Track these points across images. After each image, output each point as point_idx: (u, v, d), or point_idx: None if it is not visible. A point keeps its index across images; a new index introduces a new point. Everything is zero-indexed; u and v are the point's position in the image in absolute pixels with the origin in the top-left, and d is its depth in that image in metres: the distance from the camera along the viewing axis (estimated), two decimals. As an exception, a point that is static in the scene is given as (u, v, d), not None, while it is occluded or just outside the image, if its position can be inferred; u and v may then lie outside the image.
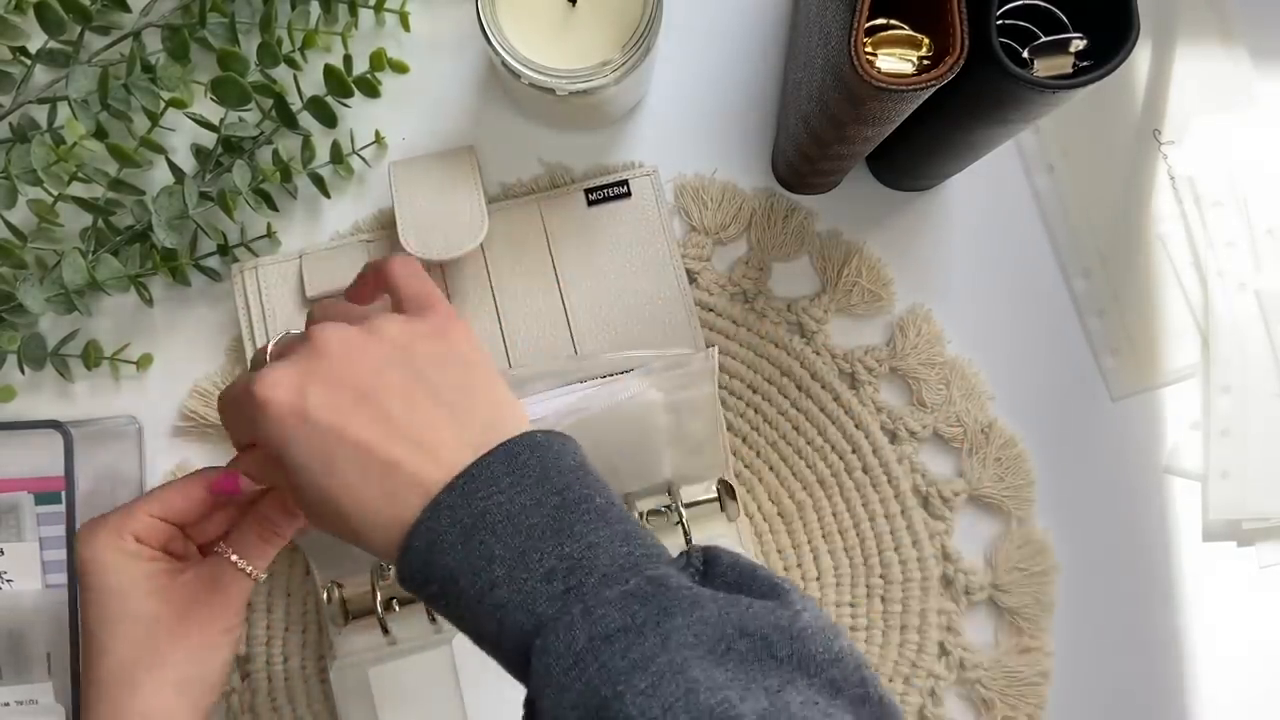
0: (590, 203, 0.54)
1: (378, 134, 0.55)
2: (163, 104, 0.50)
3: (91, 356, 0.52)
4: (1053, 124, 0.56)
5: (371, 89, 0.53)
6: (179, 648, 0.39)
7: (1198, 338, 0.56)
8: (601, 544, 0.32)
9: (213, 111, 0.51)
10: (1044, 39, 0.41)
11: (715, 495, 0.51)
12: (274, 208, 0.53)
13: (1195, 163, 0.57)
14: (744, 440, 0.54)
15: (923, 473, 0.54)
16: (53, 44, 0.51)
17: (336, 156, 0.53)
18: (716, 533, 0.51)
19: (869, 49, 0.39)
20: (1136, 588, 0.54)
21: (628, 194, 0.54)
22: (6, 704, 0.49)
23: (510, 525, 0.32)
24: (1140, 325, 0.56)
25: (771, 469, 0.54)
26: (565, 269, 0.53)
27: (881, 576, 0.53)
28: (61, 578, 0.50)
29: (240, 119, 0.52)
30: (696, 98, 0.56)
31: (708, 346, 0.53)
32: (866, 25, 0.38)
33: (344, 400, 0.34)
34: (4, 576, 0.50)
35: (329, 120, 0.53)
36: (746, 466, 0.54)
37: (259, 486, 0.41)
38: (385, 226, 0.54)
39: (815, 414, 0.54)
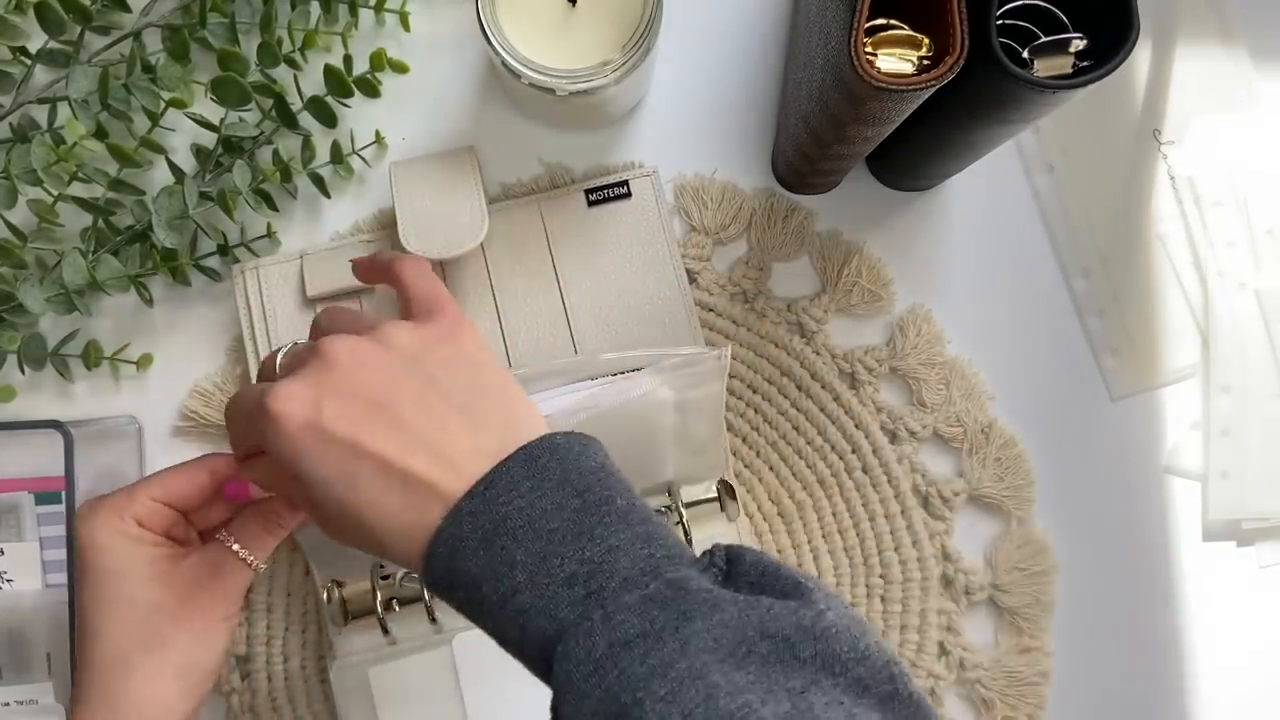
0: (590, 203, 0.54)
1: (378, 134, 0.55)
2: (163, 104, 0.50)
3: (91, 356, 0.52)
4: (1053, 124, 0.56)
5: (371, 89, 0.53)
6: (177, 633, 0.39)
7: (1198, 338, 0.56)
8: (622, 547, 0.31)
9: (213, 111, 0.51)
10: (1044, 39, 0.41)
11: (715, 495, 0.51)
12: (274, 208, 0.53)
13: (1195, 163, 0.57)
14: (744, 440, 0.54)
15: (923, 473, 0.54)
16: (53, 44, 0.51)
17: (336, 156, 0.53)
18: (716, 532, 0.51)
19: (869, 49, 0.39)
20: (1136, 588, 0.54)
21: (628, 194, 0.54)
22: (6, 704, 0.49)
23: (531, 530, 0.31)
24: (1140, 325, 0.56)
25: (771, 469, 0.54)
26: (565, 269, 0.53)
27: (881, 576, 0.53)
28: (61, 578, 0.50)
29: (240, 119, 0.52)
30: (696, 98, 0.56)
31: (708, 346, 0.53)
32: (866, 25, 0.38)
33: (358, 412, 0.33)
34: (4, 576, 0.50)
35: (329, 120, 0.53)
36: (746, 466, 0.54)
37: (269, 494, 0.41)
38: (385, 226, 0.54)
39: (815, 414, 0.54)
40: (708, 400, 0.49)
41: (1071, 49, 0.40)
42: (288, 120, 0.51)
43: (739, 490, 0.53)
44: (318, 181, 0.53)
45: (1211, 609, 0.54)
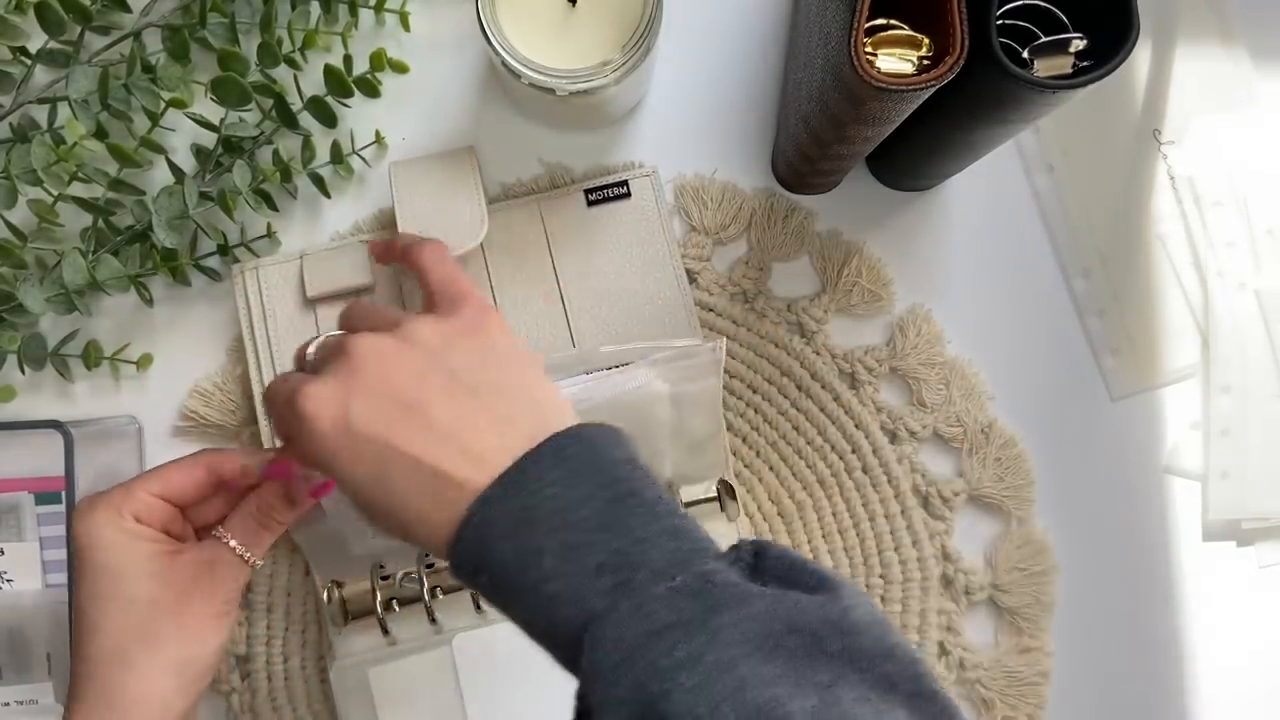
0: (590, 203, 0.54)
1: (378, 134, 0.55)
2: (163, 104, 0.50)
3: (91, 356, 0.52)
4: (1053, 124, 0.56)
5: (371, 89, 0.53)
6: (174, 629, 0.39)
7: (1198, 338, 0.56)
8: (651, 539, 0.31)
9: (213, 111, 0.51)
10: (1044, 39, 0.41)
11: (715, 495, 0.51)
12: (274, 208, 0.53)
13: (1195, 163, 0.57)
14: (744, 440, 0.54)
15: (923, 473, 0.54)
16: (53, 44, 0.51)
17: (336, 156, 0.53)
18: (717, 532, 0.51)
19: (869, 49, 0.39)
20: (1136, 588, 0.54)
21: (627, 194, 0.54)
22: (6, 704, 0.49)
23: (560, 519, 0.32)
24: (1140, 325, 0.56)
25: (771, 469, 0.54)
26: (565, 269, 0.53)
27: (881, 576, 0.53)
28: (61, 578, 0.50)
29: (240, 119, 0.52)
30: (696, 98, 0.56)
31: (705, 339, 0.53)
32: (866, 25, 0.38)
33: (387, 412, 0.34)
34: (4, 576, 0.50)
35: (329, 120, 0.53)
36: (746, 466, 0.54)
37: (311, 472, 0.41)
38: (385, 226, 0.54)
39: (815, 414, 0.54)
40: (704, 395, 0.49)
41: (1071, 49, 0.40)
42: (288, 120, 0.51)
43: (739, 490, 0.53)
44: (318, 181, 0.53)
45: (1211, 609, 0.54)
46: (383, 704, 0.48)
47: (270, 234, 0.53)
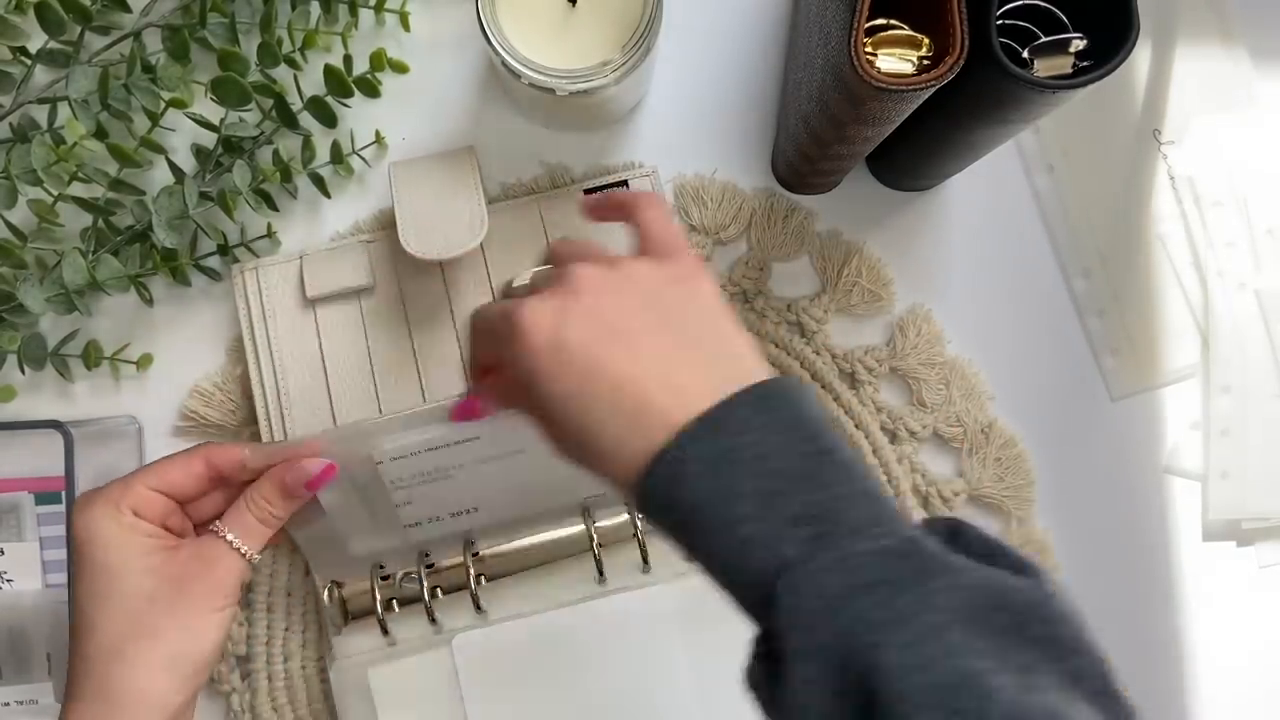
0: (590, 203, 0.54)
1: (378, 134, 0.55)
2: (163, 104, 0.50)
3: (91, 356, 0.52)
4: (1053, 124, 0.56)
5: (371, 89, 0.53)
6: (172, 624, 0.40)
7: (1198, 338, 0.56)
8: (849, 497, 0.32)
9: (213, 111, 0.51)
10: (1044, 39, 0.41)
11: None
12: (274, 208, 0.53)
13: (1195, 163, 0.57)
14: (744, 440, 0.54)
15: (923, 473, 0.54)
16: (53, 44, 0.51)
17: (336, 156, 0.53)
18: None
19: (869, 49, 0.39)
20: (1136, 588, 0.54)
21: (628, 194, 0.54)
22: (6, 704, 0.49)
23: (759, 465, 0.32)
24: (1140, 325, 0.56)
25: (771, 469, 0.54)
26: (565, 269, 0.53)
27: (881, 576, 0.53)
28: (61, 578, 0.50)
29: (240, 119, 0.52)
30: (696, 98, 0.56)
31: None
32: (866, 25, 0.38)
33: (600, 334, 0.35)
34: (4, 576, 0.50)
35: (329, 120, 0.53)
36: (746, 466, 0.54)
37: (498, 411, 0.42)
38: (386, 226, 0.54)
39: (815, 414, 0.54)
40: None
41: (1071, 49, 0.40)
42: (288, 120, 0.51)
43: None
44: (318, 181, 0.53)
45: (1211, 609, 0.54)
46: (382, 704, 0.48)
47: (270, 234, 0.53)
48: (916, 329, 0.54)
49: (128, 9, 0.52)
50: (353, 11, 0.54)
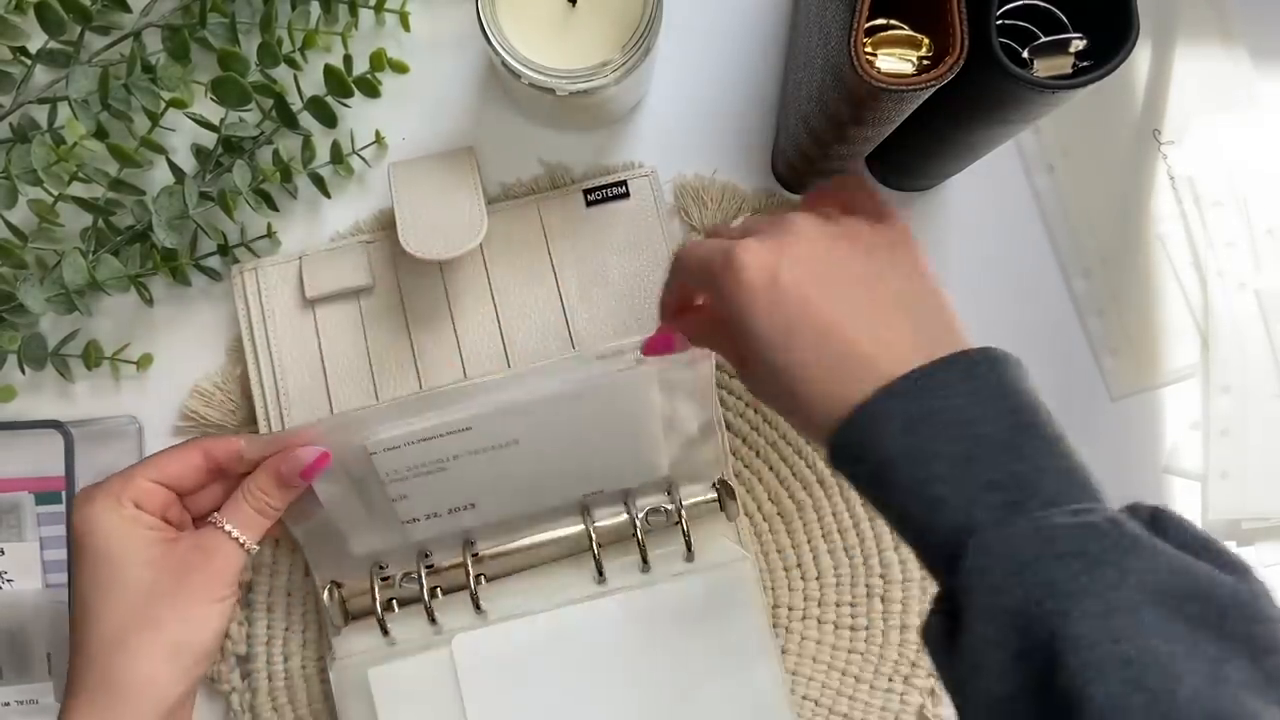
0: (589, 203, 0.54)
1: (378, 134, 0.55)
2: (163, 104, 0.50)
3: (92, 356, 0.52)
4: (1053, 124, 0.56)
5: (371, 89, 0.53)
6: (172, 614, 0.40)
7: (1197, 338, 0.56)
8: (1049, 470, 0.32)
9: (213, 111, 0.51)
10: (1044, 39, 0.41)
11: (715, 496, 0.51)
12: (274, 208, 0.53)
13: (1195, 163, 0.57)
14: (744, 440, 0.54)
15: (923, 473, 0.54)
16: (53, 44, 0.51)
17: (336, 156, 0.53)
18: (717, 532, 0.51)
19: (869, 49, 0.39)
20: (1136, 588, 0.54)
21: (626, 194, 0.54)
22: (7, 704, 0.49)
23: (960, 429, 0.32)
24: (1140, 325, 0.56)
25: (771, 469, 0.54)
26: (564, 269, 0.53)
27: (881, 576, 0.53)
28: (61, 578, 0.50)
29: (240, 119, 0.52)
30: (696, 98, 0.56)
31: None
32: (866, 25, 0.38)
33: (814, 281, 0.35)
34: (4, 576, 0.50)
35: (329, 120, 0.53)
36: (746, 466, 0.54)
37: (689, 349, 0.44)
38: (386, 226, 0.54)
39: (815, 414, 0.54)
40: (695, 382, 0.49)
41: (1071, 49, 0.40)
42: (288, 120, 0.51)
43: (739, 490, 0.53)
44: (318, 181, 0.53)
45: (1211, 609, 0.54)
46: (382, 704, 0.48)
47: (270, 234, 0.53)
48: (916, 329, 0.54)
49: (128, 9, 0.52)
50: (353, 11, 0.54)
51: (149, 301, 0.53)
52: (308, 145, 0.53)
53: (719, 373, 0.53)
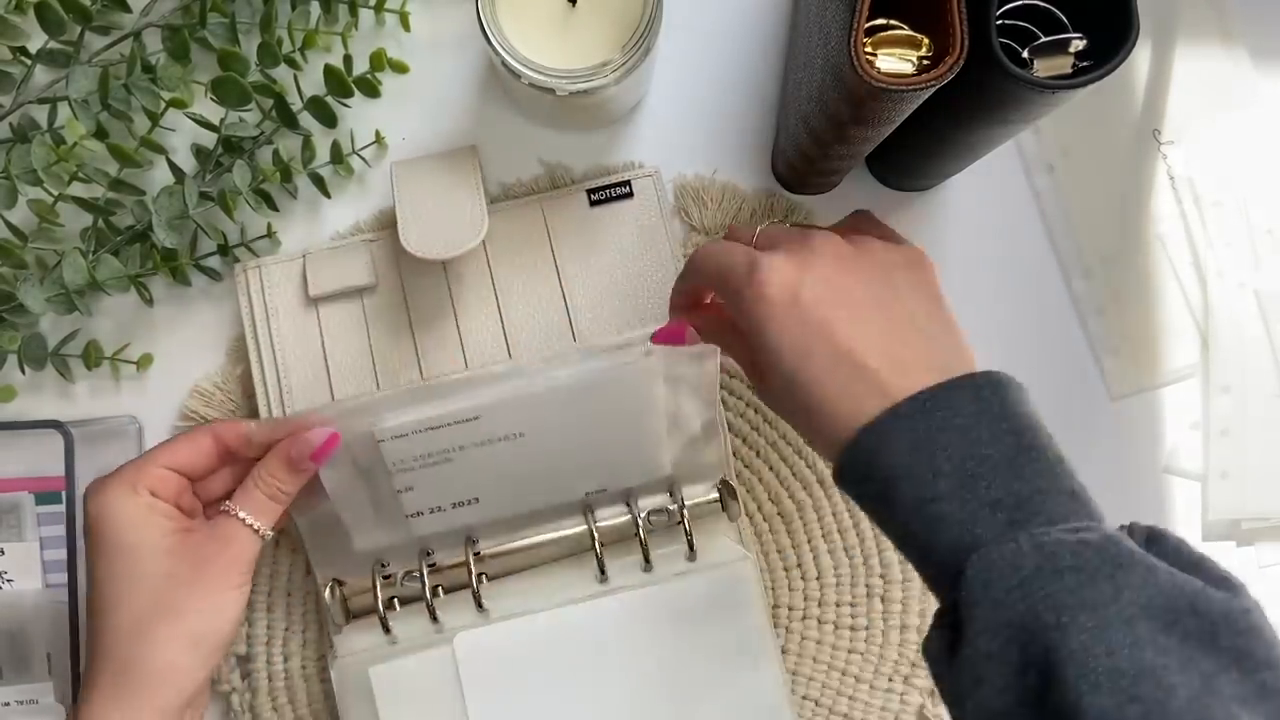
0: (593, 203, 0.54)
1: (378, 134, 0.55)
2: (163, 104, 0.50)
3: (92, 356, 0.52)
4: (1053, 124, 0.56)
5: (371, 89, 0.53)
6: (192, 603, 0.40)
7: (1197, 338, 0.56)
8: (1049, 492, 0.33)
9: (213, 111, 0.51)
10: (1044, 39, 0.41)
11: (716, 496, 0.51)
12: (274, 208, 0.53)
13: (1195, 163, 0.57)
14: (744, 440, 0.54)
15: (923, 472, 0.54)
16: (53, 44, 0.51)
17: (337, 156, 0.53)
18: (718, 532, 0.51)
19: (869, 49, 0.39)
20: (1136, 587, 0.54)
21: (630, 195, 0.54)
22: (7, 704, 0.49)
23: (964, 450, 0.33)
24: (1140, 325, 0.56)
25: (771, 469, 0.54)
26: (567, 269, 0.53)
27: (881, 576, 0.53)
28: (61, 578, 0.50)
29: (240, 119, 0.52)
30: (696, 98, 0.56)
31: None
32: (866, 25, 0.38)
33: (833, 300, 0.36)
34: (4, 576, 0.50)
35: (329, 120, 0.53)
36: (746, 466, 0.54)
37: (700, 344, 0.45)
38: (386, 226, 0.54)
39: (815, 414, 0.54)
40: (699, 379, 0.49)
41: (1071, 49, 0.40)
42: (288, 120, 0.51)
43: (739, 490, 0.53)
44: (318, 181, 0.53)
45: (1211, 609, 0.54)
46: (384, 703, 0.48)
47: (270, 234, 0.53)
48: (916, 329, 0.54)
49: (128, 9, 0.52)
50: (353, 11, 0.54)
51: (149, 301, 0.53)
52: (308, 145, 0.53)
53: (720, 374, 0.53)
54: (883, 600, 0.53)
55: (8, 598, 0.50)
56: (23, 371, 0.51)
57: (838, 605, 0.53)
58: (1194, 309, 0.56)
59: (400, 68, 0.54)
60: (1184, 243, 0.56)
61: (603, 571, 0.50)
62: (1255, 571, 0.54)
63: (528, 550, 0.51)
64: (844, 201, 0.55)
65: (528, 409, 0.47)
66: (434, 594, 0.50)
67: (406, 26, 0.55)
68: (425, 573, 0.50)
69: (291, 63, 0.52)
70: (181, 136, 0.53)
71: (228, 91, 0.49)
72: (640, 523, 0.50)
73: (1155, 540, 0.33)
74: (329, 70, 0.51)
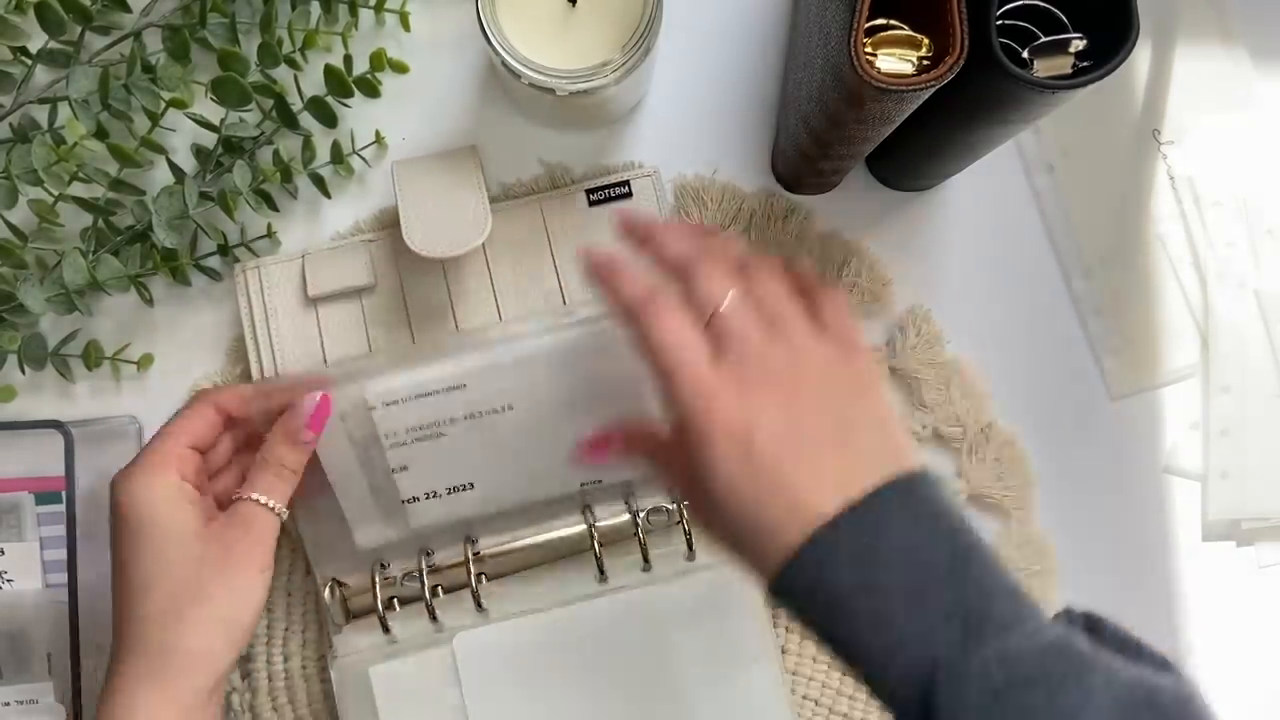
0: (592, 203, 0.54)
1: (378, 134, 0.55)
2: (163, 104, 0.50)
3: (92, 356, 0.52)
4: (1053, 124, 0.56)
5: (371, 89, 0.53)
6: (223, 587, 0.42)
7: (1197, 338, 0.56)
8: (995, 594, 0.33)
9: (213, 111, 0.51)
10: (1044, 39, 0.41)
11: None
12: (274, 208, 0.53)
13: (1195, 163, 0.57)
14: (744, 440, 0.54)
15: (923, 472, 0.54)
16: (53, 44, 0.51)
17: (337, 156, 0.53)
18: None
19: (869, 49, 0.39)
20: (1136, 588, 0.54)
21: (629, 195, 0.54)
22: (7, 704, 0.49)
23: (907, 559, 0.33)
24: (1140, 325, 0.56)
25: (771, 469, 0.54)
26: (567, 268, 0.53)
27: (881, 576, 0.53)
28: (61, 578, 0.50)
29: (240, 119, 0.52)
30: (696, 98, 0.56)
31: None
32: (866, 25, 0.38)
33: (786, 436, 0.36)
34: (4, 576, 0.50)
35: (329, 120, 0.53)
36: (746, 466, 0.54)
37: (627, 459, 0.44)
38: (386, 226, 0.54)
39: (815, 414, 0.54)
40: None
41: (1071, 49, 0.40)
42: (288, 120, 0.51)
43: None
44: (318, 181, 0.53)
45: (1211, 609, 0.54)
46: (383, 703, 0.48)
47: (270, 234, 0.53)
48: (916, 329, 0.54)
49: (128, 9, 0.52)
50: (353, 11, 0.54)
51: (149, 301, 0.53)
52: (308, 145, 0.53)
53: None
54: (883, 600, 0.53)
55: (8, 598, 0.50)
56: (23, 371, 0.51)
57: (838, 605, 0.53)
58: (1194, 309, 0.56)
59: (400, 68, 0.54)
60: (1184, 243, 0.56)
61: (602, 571, 0.50)
62: (1255, 571, 0.54)
63: (527, 550, 0.51)
64: (844, 201, 0.55)
65: (513, 377, 0.48)
66: (433, 594, 0.50)
67: (406, 26, 0.55)
68: (425, 572, 0.50)
69: (291, 63, 0.52)
70: (181, 136, 0.53)
71: (228, 91, 0.49)
72: (639, 522, 0.50)
73: (1095, 628, 0.34)
74: (329, 70, 0.51)
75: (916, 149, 0.50)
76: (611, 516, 0.51)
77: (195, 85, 0.51)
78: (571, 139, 0.55)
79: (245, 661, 0.52)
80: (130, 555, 0.41)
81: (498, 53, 0.45)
